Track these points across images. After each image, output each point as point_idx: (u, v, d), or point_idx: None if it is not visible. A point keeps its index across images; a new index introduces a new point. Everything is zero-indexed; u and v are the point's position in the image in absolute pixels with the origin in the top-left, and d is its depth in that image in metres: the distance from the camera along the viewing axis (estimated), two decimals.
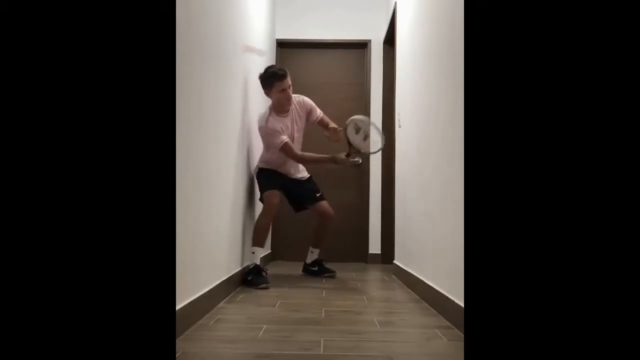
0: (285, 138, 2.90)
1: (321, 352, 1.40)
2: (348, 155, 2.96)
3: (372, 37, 4.35)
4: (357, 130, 2.95)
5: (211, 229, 2.00)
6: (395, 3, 3.54)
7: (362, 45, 4.38)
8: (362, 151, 2.96)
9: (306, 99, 3.12)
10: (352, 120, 2.97)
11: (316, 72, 4.38)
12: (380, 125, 4.18)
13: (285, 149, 2.91)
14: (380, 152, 4.13)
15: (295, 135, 3.04)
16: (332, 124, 3.10)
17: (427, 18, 2.43)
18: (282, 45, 4.37)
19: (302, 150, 3.11)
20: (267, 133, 2.91)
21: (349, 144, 2.93)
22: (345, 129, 2.94)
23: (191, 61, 1.66)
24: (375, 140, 3.00)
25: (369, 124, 3.00)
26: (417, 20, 2.72)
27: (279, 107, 2.96)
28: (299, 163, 3.08)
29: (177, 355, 1.34)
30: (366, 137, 2.98)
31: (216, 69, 2.04)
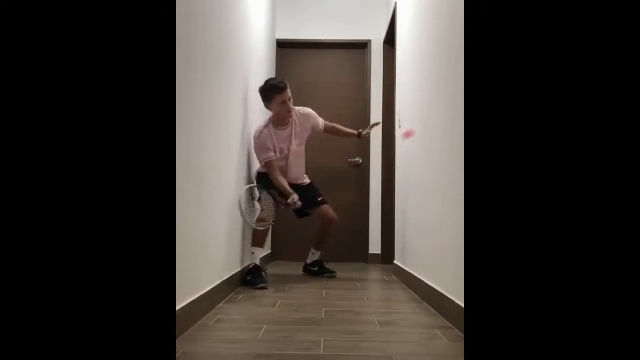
0: (270, 156, 2.91)
1: (321, 352, 1.40)
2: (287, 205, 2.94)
3: (372, 37, 4.35)
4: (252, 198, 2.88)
5: (211, 229, 2.00)
6: (395, 3, 3.54)
7: (362, 45, 4.38)
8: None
9: (310, 111, 3.14)
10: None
11: (316, 72, 4.38)
12: (380, 125, 4.19)
13: (267, 166, 2.94)
14: (376, 155, 4.17)
15: (294, 148, 3.04)
16: (338, 126, 3.23)
17: (427, 18, 2.43)
18: (282, 45, 4.37)
19: (305, 157, 3.17)
20: (256, 146, 2.95)
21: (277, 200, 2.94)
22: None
23: (192, 62, 1.66)
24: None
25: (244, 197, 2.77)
26: (417, 20, 2.72)
27: (279, 120, 2.98)
28: (273, 182, 2.97)
29: (177, 355, 1.34)
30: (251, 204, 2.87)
31: (217, 70, 2.04)
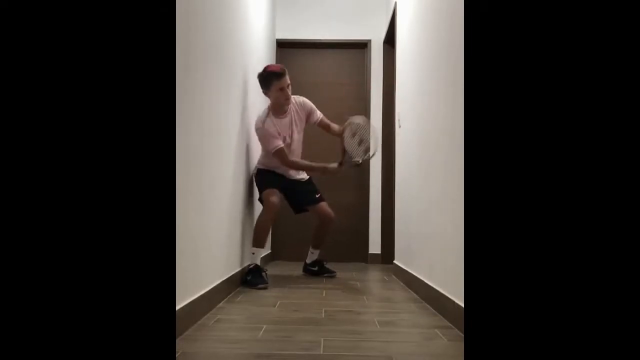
0: (279, 143, 2.88)
1: (321, 352, 1.40)
2: (341, 165, 2.96)
3: (372, 37, 4.35)
4: (353, 135, 2.95)
5: (211, 229, 2.00)
6: (395, 3, 3.54)
7: (362, 45, 4.38)
8: (354, 158, 2.95)
9: (306, 100, 3.10)
10: (350, 123, 2.96)
11: (316, 72, 4.38)
12: (380, 125, 4.19)
13: (278, 154, 2.89)
14: (377, 153, 4.16)
15: (295, 136, 3.02)
16: (333, 125, 3.13)
17: (427, 18, 2.43)
18: (282, 45, 4.37)
19: (303, 148, 3.12)
20: (262, 135, 2.90)
21: (343, 150, 2.94)
22: (343, 131, 2.95)
23: (192, 62, 1.66)
24: (367, 147, 2.96)
25: (365, 128, 2.98)
26: (417, 20, 2.72)
27: (278, 108, 2.94)
28: (292, 169, 3.04)
29: (177, 355, 1.34)
30: (361, 142, 2.96)
31: (216, 70, 2.04)
